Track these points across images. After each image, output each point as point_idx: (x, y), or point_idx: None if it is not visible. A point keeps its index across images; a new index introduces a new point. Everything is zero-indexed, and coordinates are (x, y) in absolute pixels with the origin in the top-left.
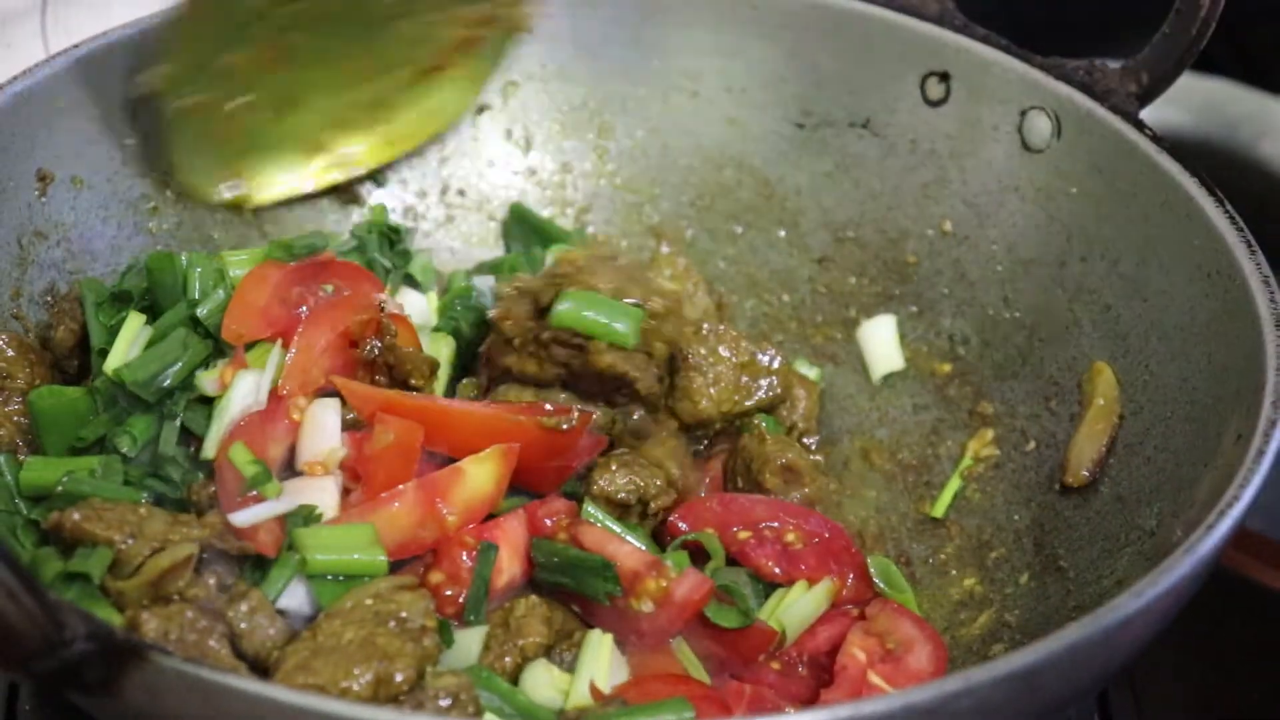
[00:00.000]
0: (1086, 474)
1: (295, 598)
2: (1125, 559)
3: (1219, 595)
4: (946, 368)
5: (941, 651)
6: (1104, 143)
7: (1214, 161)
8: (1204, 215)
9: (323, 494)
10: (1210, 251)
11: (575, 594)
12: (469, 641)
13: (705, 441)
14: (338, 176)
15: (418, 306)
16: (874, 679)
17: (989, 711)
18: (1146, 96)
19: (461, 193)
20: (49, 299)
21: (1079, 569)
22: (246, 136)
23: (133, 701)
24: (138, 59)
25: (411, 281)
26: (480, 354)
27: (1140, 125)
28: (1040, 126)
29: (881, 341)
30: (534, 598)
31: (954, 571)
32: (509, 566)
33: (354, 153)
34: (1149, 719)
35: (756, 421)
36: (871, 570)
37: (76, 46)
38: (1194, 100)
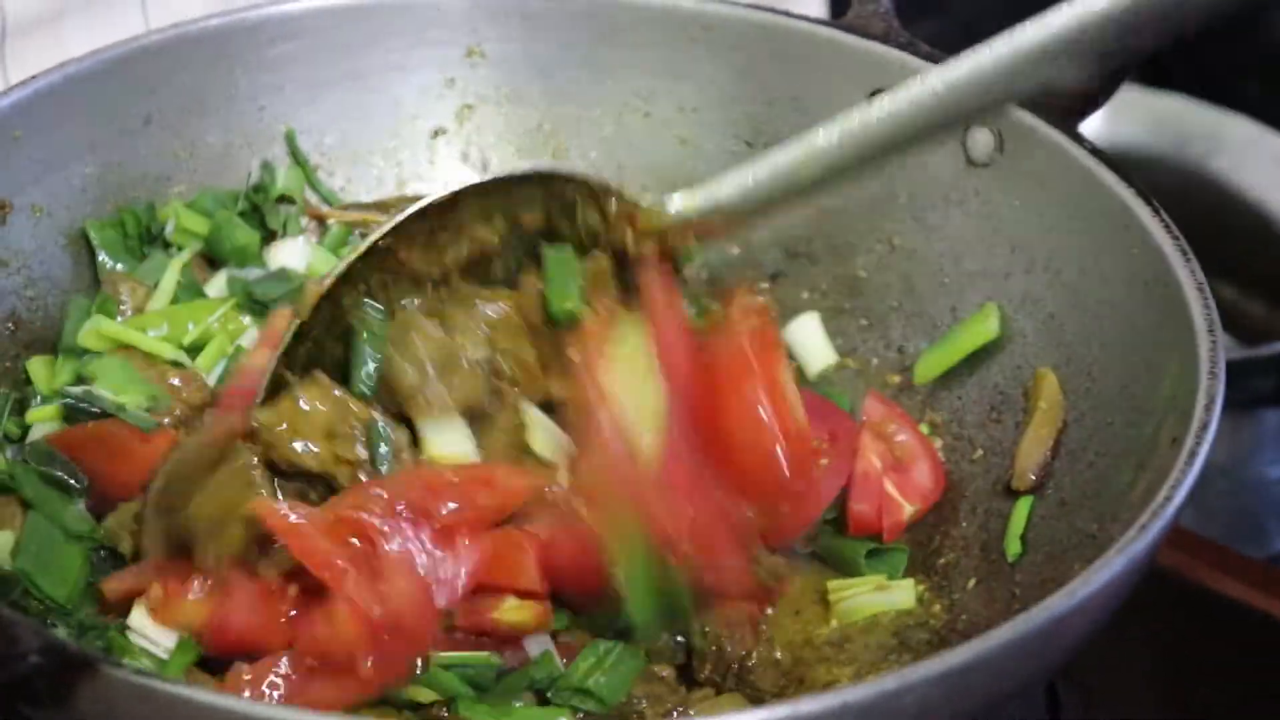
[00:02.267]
0: (1033, 477)
1: None
2: (1068, 562)
3: (1167, 596)
4: (896, 379)
5: (939, 469)
6: (1044, 156)
7: (1166, 175)
8: (1141, 224)
9: None
10: (1147, 260)
11: None
12: None
13: None
14: None
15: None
16: (890, 489)
17: (926, 709)
18: (1085, 110)
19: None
20: (10, 326)
21: (1025, 573)
22: None
23: (86, 713)
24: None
25: None
26: None
27: (1079, 138)
28: (983, 141)
29: (808, 339)
30: None
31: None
32: None
33: None
34: (1097, 717)
35: None
36: None
37: (34, 78)
38: (1148, 115)
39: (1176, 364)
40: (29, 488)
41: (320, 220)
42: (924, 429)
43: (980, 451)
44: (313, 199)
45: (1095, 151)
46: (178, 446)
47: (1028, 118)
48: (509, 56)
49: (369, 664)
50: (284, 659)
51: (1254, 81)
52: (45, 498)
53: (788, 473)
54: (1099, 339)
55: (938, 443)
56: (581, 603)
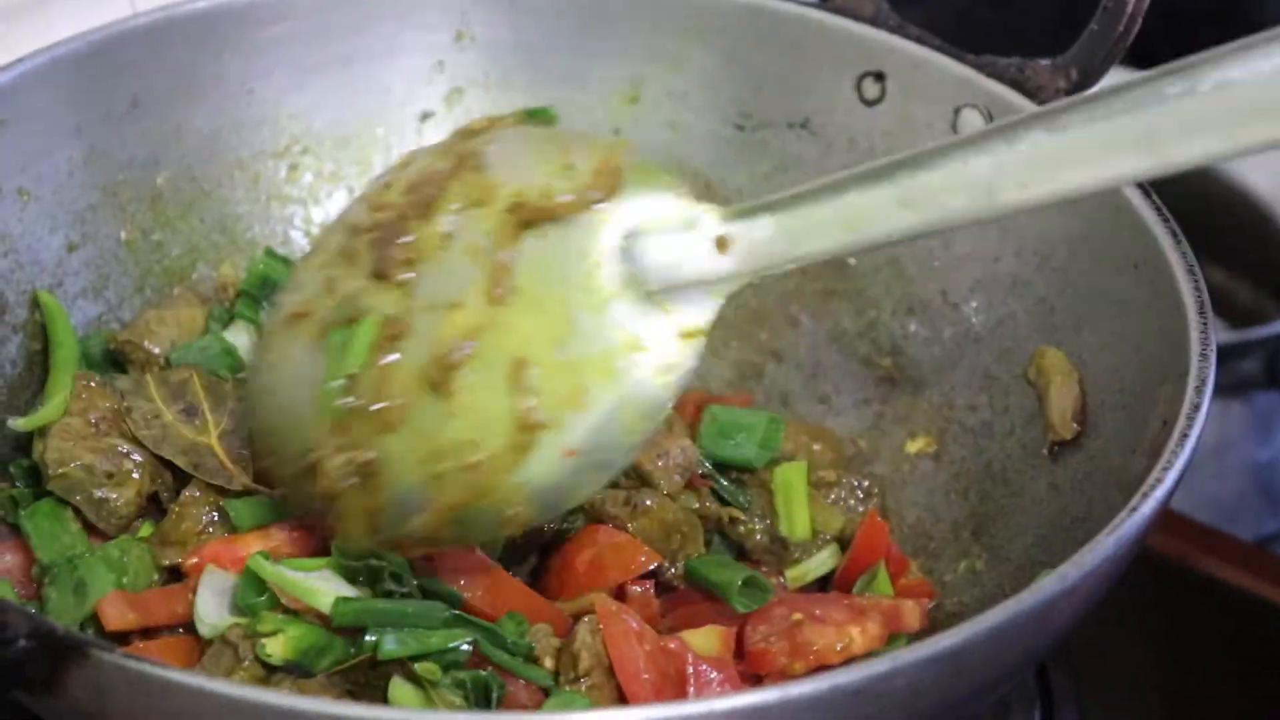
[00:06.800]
0: (1076, 425)
1: None
2: (1059, 545)
3: (1156, 577)
4: (887, 362)
5: None
6: None
7: None
8: (1131, 207)
9: None
10: (1138, 243)
11: None
12: None
13: None
14: None
15: None
16: None
17: (917, 693)
18: (1075, 92)
19: None
20: None
21: (1015, 556)
22: None
23: (77, 698)
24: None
25: None
26: None
27: None
28: (973, 123)
29: None
30: None
31: None
32: None
33: None
34: (1089, 700)
35: None
36: None
37: (20, 60)
38: None
39: (1167, 346)
40: None
41: None
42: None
43: (970, 435)
44: None
45: None
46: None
47: (1018, 99)
48: (498, 41)
49: None
50: None
51: None
52: None
53: None
54: (1089, 322)
55: (929, 424)
56: None
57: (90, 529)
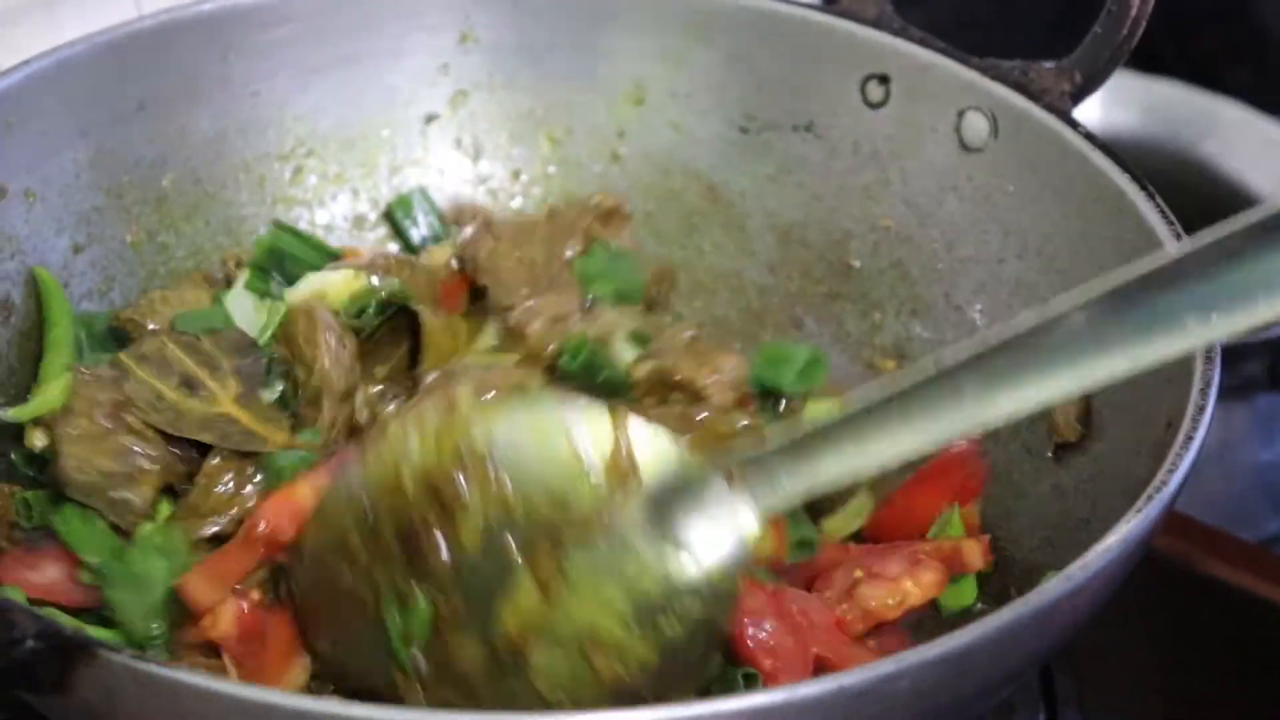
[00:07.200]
0: (1080, 427)
1: None
2: (1063, 547)
3: (1160, 578)
4: (891, 364)
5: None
6: (1039, 141)
7: (1159, 160)
8: (1135, 209)
9: None
10: (1141, 244)
11: None
12: None
13: None
14: None
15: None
16: None
17: (922, 694)
18: (1080, 95)
19: None
20: (3, 312)
21: (1021, 557)
22: None
23: (85, 699)
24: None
25: None
26: None
27: (1073, 123)
28: (977, 126)
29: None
30: None
31: None
32: None
33: None
34: (1092, 702)
35: None
36: None
37: (26, 62)
38: (1141, 100)
39: None
40: None
41: None
42: None
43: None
44: None
45: (1089, 136)
46: None
47: (1021, 102)
48: (502, 42)
49: None
50: None
51: (1245, 66)
52: None
53: None
54: None
55: None
56: None
57: (114, 526)
